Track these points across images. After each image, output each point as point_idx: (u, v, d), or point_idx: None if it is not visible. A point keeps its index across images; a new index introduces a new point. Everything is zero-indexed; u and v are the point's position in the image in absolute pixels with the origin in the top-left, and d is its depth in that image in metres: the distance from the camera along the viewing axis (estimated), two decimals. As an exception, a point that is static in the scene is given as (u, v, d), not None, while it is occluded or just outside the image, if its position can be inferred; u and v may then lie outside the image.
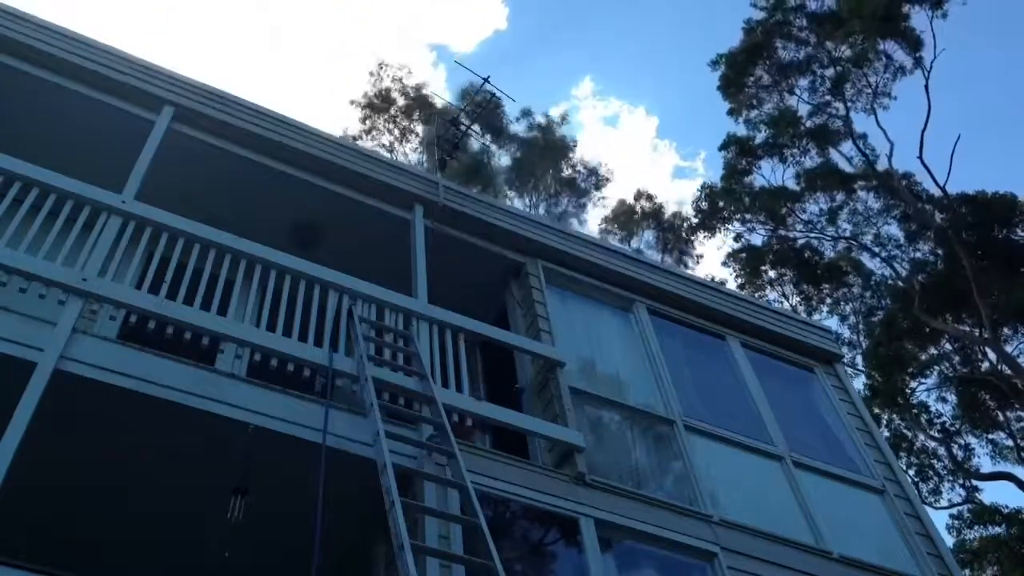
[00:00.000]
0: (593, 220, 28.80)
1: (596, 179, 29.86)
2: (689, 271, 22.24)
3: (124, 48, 7.07)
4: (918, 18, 24.57)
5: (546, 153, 29.22)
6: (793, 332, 8.93)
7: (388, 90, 29.18)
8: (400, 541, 3.86)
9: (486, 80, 11.36)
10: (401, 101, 29.15)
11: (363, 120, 29.00)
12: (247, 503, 4.96)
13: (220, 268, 5.89)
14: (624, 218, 29.03)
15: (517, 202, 27.97)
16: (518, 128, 29.74)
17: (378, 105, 28.97)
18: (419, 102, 28.71)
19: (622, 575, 5.68)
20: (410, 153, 28.08)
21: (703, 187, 26.93)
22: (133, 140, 6.53)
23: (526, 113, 29.81)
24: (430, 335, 6.36)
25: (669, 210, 29.65)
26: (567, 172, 29.53)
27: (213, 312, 5.51)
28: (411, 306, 6.50)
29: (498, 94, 12.14)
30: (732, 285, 25.00)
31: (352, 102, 29.59)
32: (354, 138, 27.77)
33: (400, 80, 29.55)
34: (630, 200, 29.72)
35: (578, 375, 6.96)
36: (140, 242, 5.77)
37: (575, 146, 30.58)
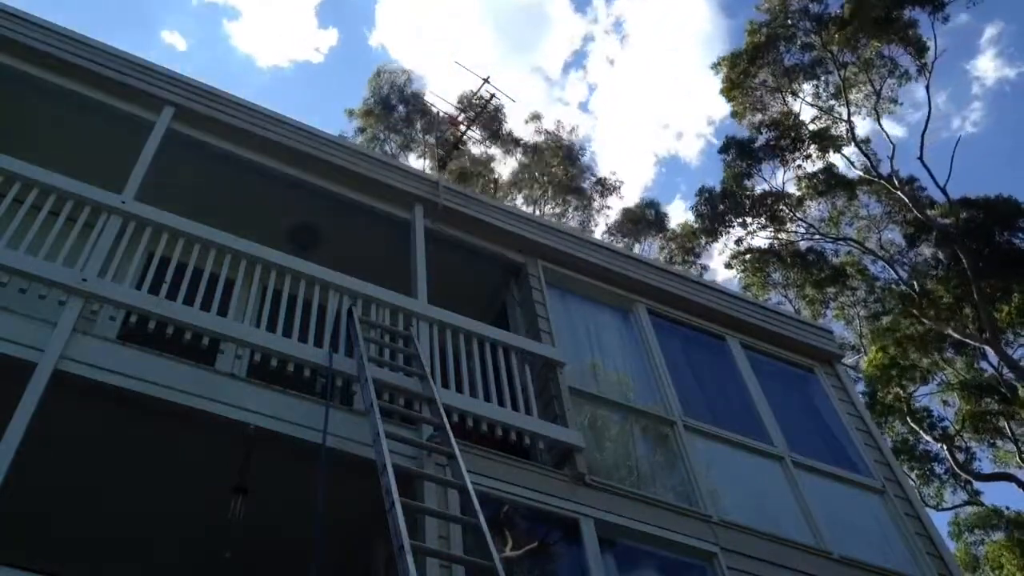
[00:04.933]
0: (598, 232, 28.25)
1: (603, 188, 29.54)
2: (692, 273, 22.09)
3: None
4: (919, 19, 24.58)
5: (552, 160, 28.93)
6: (793, 332, 8.93)
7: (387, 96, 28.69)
8: (400, 542, 3.85)
9: (486, 80, 11.34)
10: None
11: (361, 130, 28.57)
12: (247, 503, 4.97)
13: (220, 268, 5.89)
14: (629, 226, 28.68)
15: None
16: (526, 132, 29.51)
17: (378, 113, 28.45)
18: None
19: (622, 575, 5.67)
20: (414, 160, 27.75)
21: (702, 190, 26.86)
22: (133, 140, 6.53)
23: (535, 117, 29.66)
24: (430, 335, 6.36)
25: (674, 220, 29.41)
26: (575, 182, 29.12)
27: (213, 312, 5.50)
28: (411, 306, 6.50)
29: (498, 95, 12.12)
30: (737, 288, 24.83)
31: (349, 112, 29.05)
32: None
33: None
34: (635, 210, 29.33)
35: (578, 375, 6.96)
36: (140, 242, 5.77)
37: (583, 153, 30.34)
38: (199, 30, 47.31)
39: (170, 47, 44.97)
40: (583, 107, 46.85)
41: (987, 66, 40.90)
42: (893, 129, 40.07)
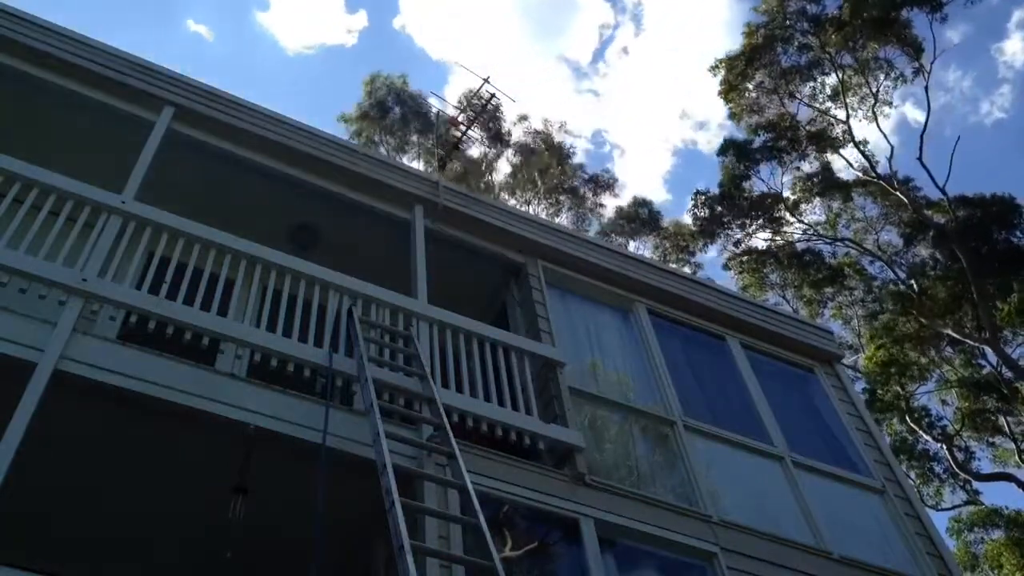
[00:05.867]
0: (592, 231, 28.13)
1: (595, 186, 29.48)
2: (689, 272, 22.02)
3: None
4: (917, 20, 24.53)
5: (546, 159, 28.85)
6: (793, 332, 8.93)
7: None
8: (400, 542, 3.85)
9: (486, 80, 11.30)
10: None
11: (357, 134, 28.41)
12: (247, 503, 4.97)
13: (220, 268, 5.89)
14: (623, 224, 28.63)
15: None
16: (517, 132, 29.45)
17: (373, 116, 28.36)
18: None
19: (622, 575, 5.67)
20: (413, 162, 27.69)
21: (698, 193, 26.82)
22: (133, 140, 6.53)
23: (523, 118, 29.65)
24: (430, 335, 6.36)
25: (668, 218, 29.35)
26: (567, 181, 29.03)
27: (213, 312, 5.50)
28: (411, 306, 6.50)
29: (498, 95, 12.07)
30: (734, 289, 24.69)
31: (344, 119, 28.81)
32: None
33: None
34: (628, 209, 29.21)
35: (578, 375, 6.96)
36: (140, 242, 5.77)
37: (574, 153, 30.28)
38: (226, 19, 46.93)
39: (195, 36, 44.65)
40: (603, 96, 46.70)
41: (1015, 48, 40.28)
42: (915, 115, 39.21)
